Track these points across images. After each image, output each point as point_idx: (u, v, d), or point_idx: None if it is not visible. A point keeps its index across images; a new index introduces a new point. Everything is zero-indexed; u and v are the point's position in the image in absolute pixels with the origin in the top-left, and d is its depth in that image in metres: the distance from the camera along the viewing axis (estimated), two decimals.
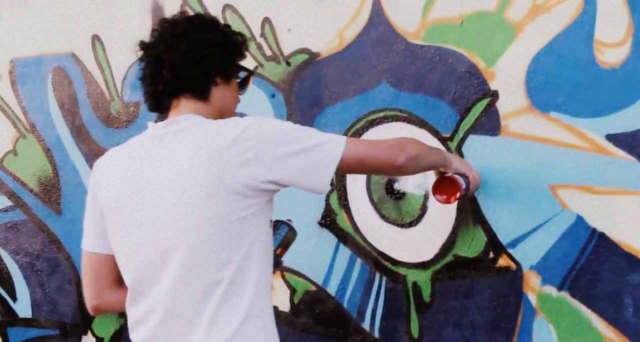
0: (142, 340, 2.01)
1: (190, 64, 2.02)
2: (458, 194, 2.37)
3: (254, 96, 2.95)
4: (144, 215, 1.95)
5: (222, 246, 1.92)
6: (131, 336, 2.06)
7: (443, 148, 2.56)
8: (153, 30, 2.12)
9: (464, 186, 2.38)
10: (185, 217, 1.90)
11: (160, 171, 1.94)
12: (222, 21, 2.93)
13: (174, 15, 2.15)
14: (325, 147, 1.94)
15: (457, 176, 2.37)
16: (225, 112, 2.10)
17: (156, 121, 2.05)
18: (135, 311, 2.03)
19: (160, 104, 2.08)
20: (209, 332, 1.91)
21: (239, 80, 2.15)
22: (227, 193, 1.88)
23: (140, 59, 2.10)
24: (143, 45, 2.09)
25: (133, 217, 1.97)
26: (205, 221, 1.89)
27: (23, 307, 3.31)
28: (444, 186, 2.39)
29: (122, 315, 2.32)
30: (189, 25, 2.07)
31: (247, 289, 1.95)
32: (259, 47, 2.96)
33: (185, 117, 2.01)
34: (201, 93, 2.04)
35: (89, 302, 2.13)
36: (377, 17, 2.74)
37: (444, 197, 2.40)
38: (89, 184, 2.12)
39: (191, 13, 2.26)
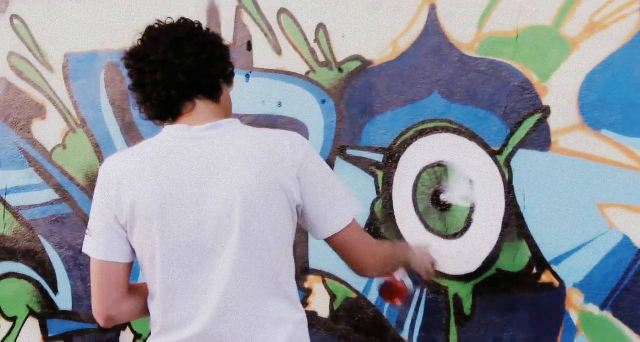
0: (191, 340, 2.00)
1: (204, 66, 2.05)
2: (400, 299, 2.46)
3: (304, 101, 3.02)
4: (195, 215, 1.95)
5: (274, 246, 1.99)
6: (167, 339, 2.03)
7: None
8: (142, 38, 2.08)
9: (410, 290, 2.46)
10: (243, 216, 1.94)
11: (216, 171, 1.96)
12: (277, 25, 3.03)
13: (159, 22, 2.14)
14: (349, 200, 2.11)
15: (401, 280, 2.43)
16: (229, 112, 2.17)
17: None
18: (174, 313, 2.00)
19: (171, 110, 2.06)
20: (268, 333, 1.98)
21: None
22: (281, 200, 1.98)
23: (138, 69, 2.05)
24: (141, 54, 2.05)
25: (179, 217, 1.95)
26: (260, 222, 1.96)
27: (64, 300, 3.34)
28: (392, 286, 2.45)
29: None
30: (188, 29, 2.09)
31: (293, 295, 2.06)
32: (312, 52, 2.99)
33: (227, 122, 2.05)
34: (215, 94, 2.09)
35: (105, 313, 2.06)
36: (433, 27, 2.76)
37: (390, 297, 2.47)
38: (102, 190, 2.03)
39: (189, 19, 2.19)
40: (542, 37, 2.61)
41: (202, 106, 2.07)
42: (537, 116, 2.62)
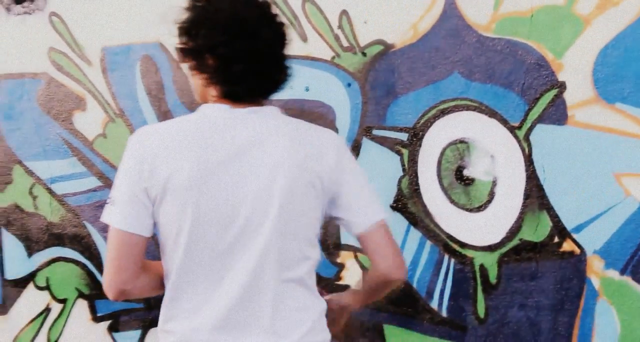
0: (213, 325, 1.89)
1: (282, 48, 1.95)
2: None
3: (331, 85, 3.07)
4: (232, 195, 1.86)
5: (303, 236, 1.93)
6: (188, 325, 1.90)
7: None
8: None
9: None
10: (280, 203, 1.86)
11: (257, 155, 1.88)
12: (303, 14, 3.05)
13: None
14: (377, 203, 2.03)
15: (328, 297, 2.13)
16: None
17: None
18: (191, 296, 1.91)
19: (230, 97, 1.93)
20: (291, 320, 1.92)
21: None
22: (317, 192, 1.92)
23: (209, 37, 1.88)
24: (216, 18, 1.89)
25: (215, 195, 1.86)
26: (295, 211, 1.89)
27: None
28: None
29: None
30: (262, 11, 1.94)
31: (312, 286, 1.99)
32: (337, 38, 3.03)
33: (268, 108, 1.96)
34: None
35: (119, 286, 1.91)
36: (450, 9, 2.84)
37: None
38: (135, 161, 1.88)
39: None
40: (555, 15, 2.68)
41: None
42: (554, 92, 2.71)
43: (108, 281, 1.92)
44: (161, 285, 1.97)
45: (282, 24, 1.95)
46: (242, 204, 1.87)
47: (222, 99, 1.93)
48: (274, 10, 1.96)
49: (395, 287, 2.11)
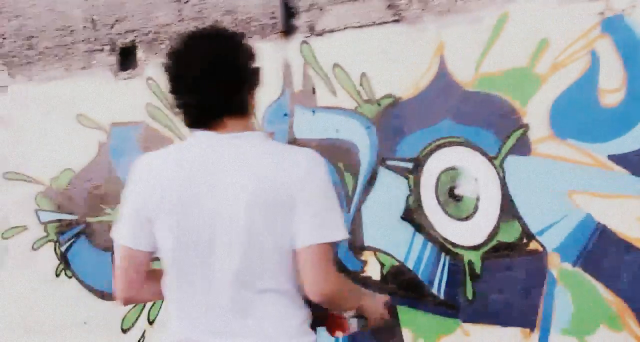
0: (202, 330, 1.69)
1: (235, 88, 1.70)
2: (342, 333, 1.87)
3: (355, 127, 3.13)
4: (206, 214, 1.65)
5: (274, 248, 1.67)
6: (180, 329, 1.71)
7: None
8: (180, 49, 1.72)
9: (354, 328, 1.85)
10: (247, 219, 1.64)
11: (228, 175, 1.66)
12: (333, 75, 3.11)
13: (196, 32, 1.84)
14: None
15: (347, 317, 1.83)
16: (252, 117, 1.81)
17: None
18: (186, 307, 1.71)
19: (201, 125, 1.71)
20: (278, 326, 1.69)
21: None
22: (283, 207, 1.65)
23: (173, 80, 1.71)
24: (176, 69, 1.71)
25: (193, 214, 1.66)
26: (261, 226, 1.65)
27: None
28: (335, 320, 1.84)
29: None
30: (223, 45, 1.72)
31: (292, 292, 1.72)
32: (358, 93, 3.11)
33: (249, 133, 1.72)
34: (243, 110, 1.73)
35: (124, 294, 1.77)
36: (442, 71, 2.93)
37: (330, 328, 1.86)
38: (133, 185, 1.72)
39: (225, 30, 1.87)
40: (520, 75, 2.80)
41: (230, 121, 1.70)
42: (520, 131, 2.80)
43: (115, 289, 1.80)
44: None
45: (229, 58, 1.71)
46: (217, 225, 1.66)
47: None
48: (238, 47, 1.74)
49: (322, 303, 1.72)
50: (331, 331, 1.85)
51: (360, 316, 1.84)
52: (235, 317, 1.68)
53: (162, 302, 3.10)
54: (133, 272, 1.75)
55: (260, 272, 1.67)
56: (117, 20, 3.72)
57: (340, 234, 1.69)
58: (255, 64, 1.76)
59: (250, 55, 1.75)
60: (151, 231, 1.72)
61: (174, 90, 1.72)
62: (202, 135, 1.71)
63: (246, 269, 1.66)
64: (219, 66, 1.67)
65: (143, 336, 3.65)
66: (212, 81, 1.67)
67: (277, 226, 1.66)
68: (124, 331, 3.68)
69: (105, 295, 3.67)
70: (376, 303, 1.89)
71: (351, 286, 1.86)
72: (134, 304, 1.91)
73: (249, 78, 1.74)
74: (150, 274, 1.78)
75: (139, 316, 3.66)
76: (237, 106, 1.72)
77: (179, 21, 3.53)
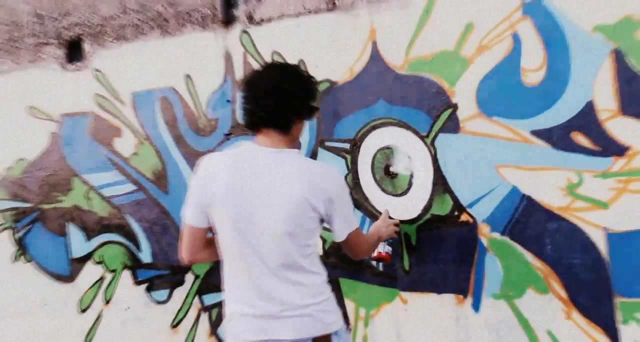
0: (243, 297, 1.98)
1: (281, 109, 1.97)
2: (387, 260, 2.55)
3: None
4: (251, 211, 1.93)
5: (302, 241, 1.97)
6: (233, 298, 2.01)
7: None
8: (253, 76, 2.03)
9: (389, 248, 2.55)
10: (284, 218, 1.92)
11: (272, 184, 1.93)
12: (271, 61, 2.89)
13: (268, 64, 2.14)
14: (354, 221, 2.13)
15: (385, 252, 2.52)
16: (296, 139, 2.09)
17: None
18: (234, 277, 2.00)
19: (254, 128, 2.01)
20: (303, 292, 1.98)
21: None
22: (312, 212, 1.96)
23: (244, 96, 2.01)
24: (247, 89, 2.01)
25: (240, 209, 1.93)
26: (295, 224, 1.93)
27: (145, 256, 3.27)
28: (381, 258, 2.54)
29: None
30: (282, 77, 2.00)
31: (315, 270, 2.04)
32: None
33: (288, 151, 1.99)
34: (286, 128, 2.00)
35: (187, 257, 2.06)
36: (375, 56, 2.73)
37: (382, 262, 2.67)
38: (200, 175, 1.99)
39: (290, 66, 2.11)
40: (448, 57, 2.59)
41: (273, 133, 1.99)
42: (449, 110, 2.61)
43: (181, 254, 2.07)
44: (217, 255, 2.06)
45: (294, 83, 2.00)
46: (259, 217, 1.93)
47: (256, 138, 2.02)
48: (299, 74, 2.05)
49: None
50: (382, 260, 2.55)
51: (384, 241, 2.53)
52: (267, 288, 1.95)
53: (116, 282, 3.20)
54: (193, 243, 2.03)
55: (293, 255, 1.95)
56: (63, 14, 3.41)
57: (357, 222, 2.16)
58: (313, 103, 2.05)
59: (305, 90, 2.03)
60: (208, 213, 1.98)
61: (245, 101, 2.01)
62: (252, 145, 2.01)
63: (283, 251, 1.94)
64: (275, 91, 1.96)
65: (100, 315, 3.45)
66: (267, 100, 1.96)
67: (306, 224, 1.96)
68: (82, 311, 3.49)
69: (61, 277, 3.53)
70: (386, 230, 2.51)
71: (370, 239, 2.37)
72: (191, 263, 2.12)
73: (296, 105, 2.00)
74: (207, 242, 2.05)
75: (94, 296, 3.47)
76: (280, 123, 1.98)
77: (122, 13, 3.24)
